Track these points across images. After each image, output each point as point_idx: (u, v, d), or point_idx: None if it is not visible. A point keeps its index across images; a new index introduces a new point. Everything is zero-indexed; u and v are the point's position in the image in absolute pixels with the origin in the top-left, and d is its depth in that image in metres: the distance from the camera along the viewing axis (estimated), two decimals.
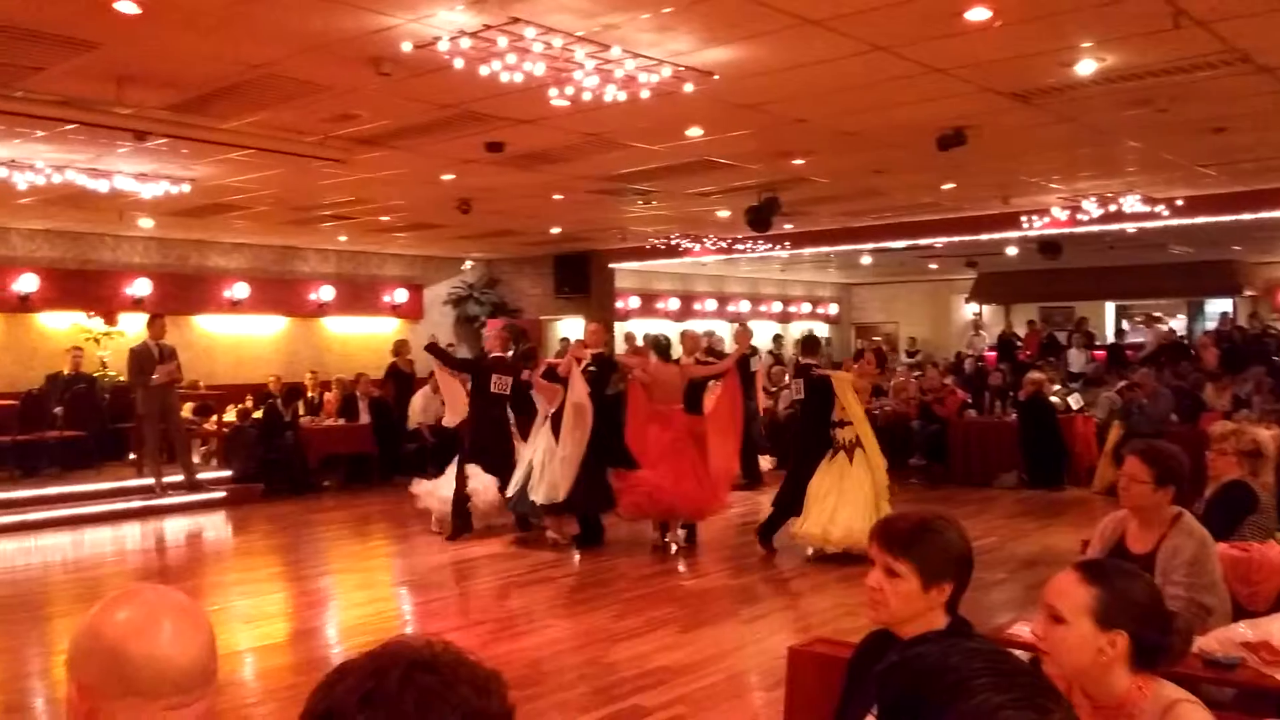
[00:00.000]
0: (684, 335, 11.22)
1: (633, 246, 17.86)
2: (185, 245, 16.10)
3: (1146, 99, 7.92)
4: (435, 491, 10.36)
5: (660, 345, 10.05)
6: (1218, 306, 21.65)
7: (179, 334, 14.35)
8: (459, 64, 6.36)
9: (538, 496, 9.47)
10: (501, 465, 10.06)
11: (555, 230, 15.91)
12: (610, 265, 19.32)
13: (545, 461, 9.50)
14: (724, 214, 14.00)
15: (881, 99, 7.86)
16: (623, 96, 7.10)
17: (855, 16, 5.94)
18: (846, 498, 8.71)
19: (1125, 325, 23.13)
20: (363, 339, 18.32)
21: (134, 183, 10.07)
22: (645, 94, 7.06)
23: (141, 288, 15.37)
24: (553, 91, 7.01)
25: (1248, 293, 21.35)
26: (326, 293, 17.80)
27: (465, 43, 6.13)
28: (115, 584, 7.84)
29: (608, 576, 8.59)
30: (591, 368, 9.68)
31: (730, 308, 24.60)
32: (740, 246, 17.16)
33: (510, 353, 10.59)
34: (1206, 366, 14.75)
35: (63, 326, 14.62)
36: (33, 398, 13.00)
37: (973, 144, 8.93)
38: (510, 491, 9.83)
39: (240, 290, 16.56)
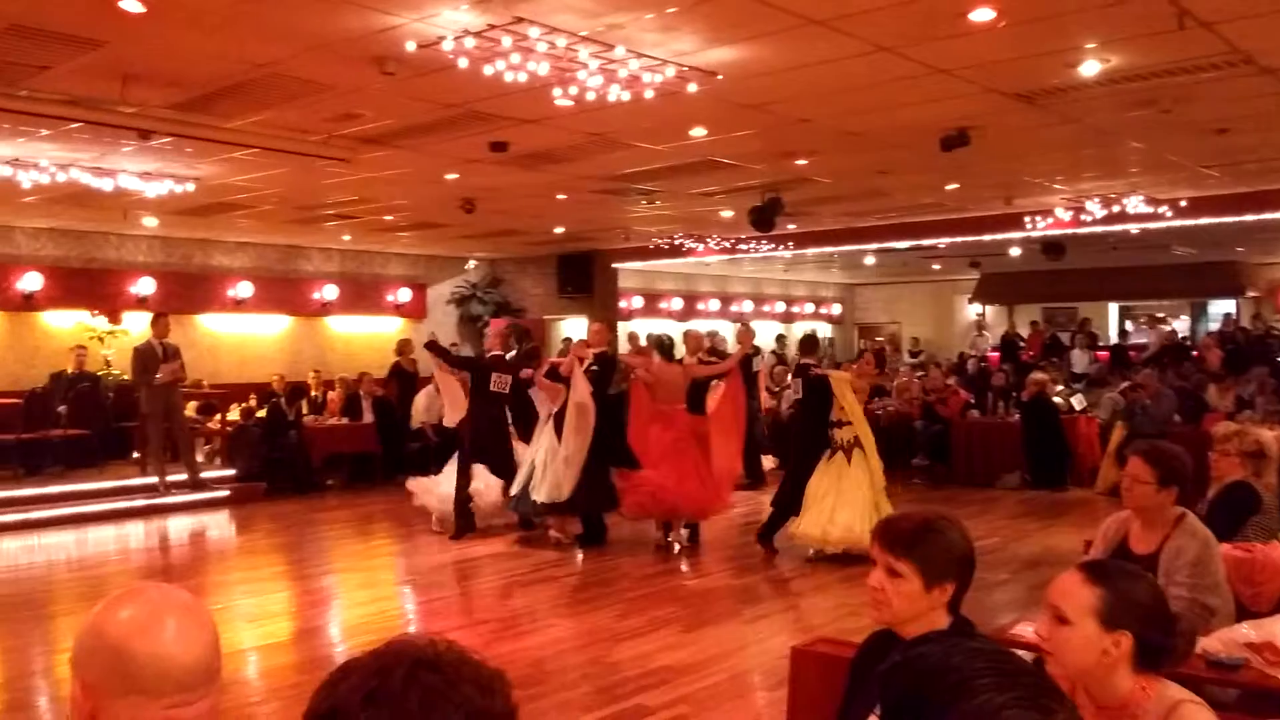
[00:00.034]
0: (687, 335, 11.23)
1: (636, 246, 17.86)
2: (189, 244, 16.11)
3: (1150, 100, 7.92)
4: (434, 489, 10.37)
5: (663, 345, 10.05)
6: (1221, 307, 21.64)
7: (183, 333, 14.37)
8: (463, 63, 6.36)
9: (540, 496, 9.48)
10: (500, 465, 10.08)
11: (559, 230, 15.91)
12: (613, 265, 19.33)
13: (548, 461, 9.51)
14: (727, 214, 14.00)
15: (885, 99, 7.86)
16: (626, 96, 7.10)
17: (859, 17, 5.94)
18: (845, 498, 8.70)
19: (1129, 326, 23.11)
20: (366, 338, 18.33)
21: (138, 181, 10.08)
22: (649, 94, 7.06)
23: (146, 286, 15.39)
24: (556, 91, 7.02)
25: (1251, 294, 21.33)
26: (330, 292, 17.82)
27: (469, 42, 6.13)
28: (119, 583, 7.87)
29: (611, 576, 8.59)
30: (594, 367, 9.68)
31: (733, 308, 24.59)
32: (743, 246, 17.16)
33: (513, 352, 10.59)
34: (1210, 367, 14.73)
35: (67, 325, 14.64)
36: (37, 396, 13.01)
37: (976, 145, 8.92)
38: (513, 491, 9.84)
39: (244, 289, 16.58)
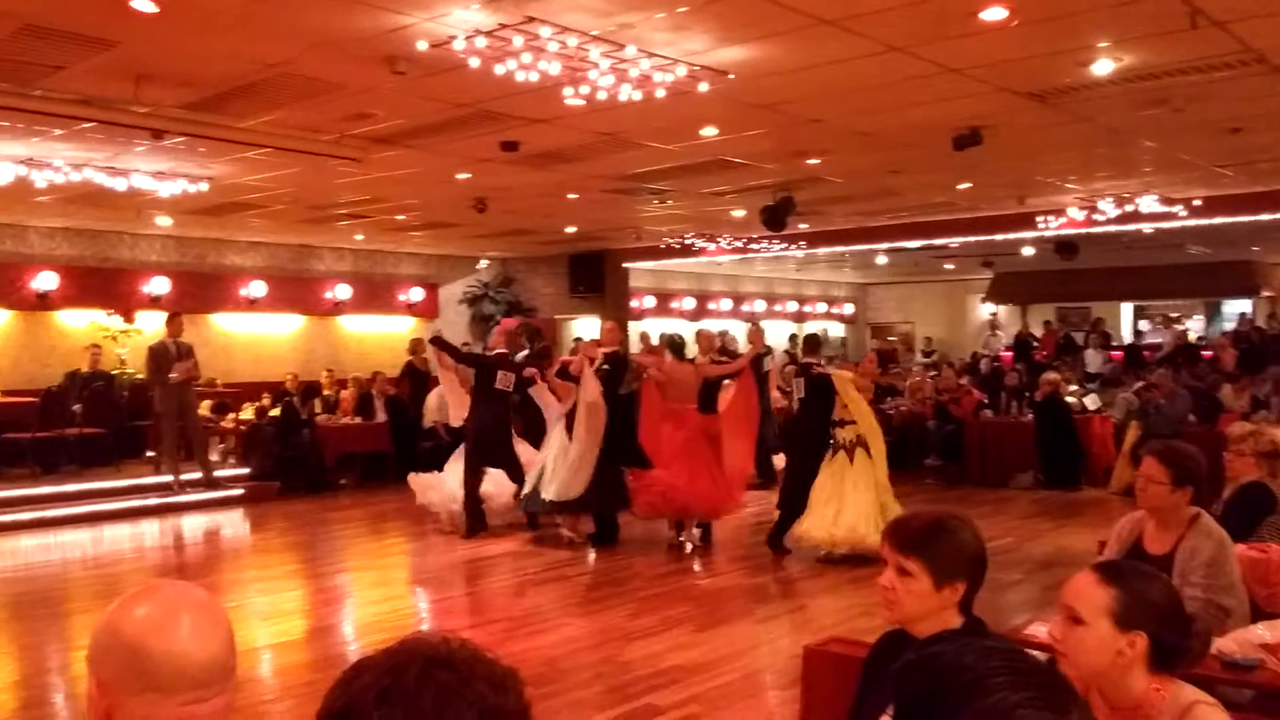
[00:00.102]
0: (699, 334, 11.22)
1: (647, 246, 17.86)
2: (202, 244, 16.17)
3: (1163, 99, 7.88)
4: (438, 486, 10.37)
5: (675, 344, 10.04)
6: (1236, 307, 21.53)
7: (196, 332, 14.42)
8: (474, 63, 6.37)
9: (550, 494, 9.49)
10: (503, 463, 10.10)
11: (570, 229, 15.92)
12: (625, 264, 19.33)
13: (558, 460, 9.52)
14: (739, 213, 13.99)
15: (897, 99, 7.85)
16: (638, 96, 7.10)
17: (871, 16, 5.93)
18: (848, 500, 8.67)
19: (1144, 326, 23.01)
20: (379, 337, 18.38)
21: (152, 181, 10.12)
22: (660, 93, 7.06)
23: (159, 286, 15.45)
24: (568, 91, 7.02)
25: (1266, 293, 21.22)
26: (343, 291, 17.86)
27: (481, 42, 6.14)
28: (133, 580, 7.90)
29: (623, 575, 8.59)
30: (605, 366, 9.68)
31: (745, 307, 24.57)
32: (755, 246, 17.14)
33: (525, 351, 10.60)
34: (1224, 367, 14.66)
35: (81, 324, 14.71)
36: (52, 395, 13.07)
37: (989, 144, 8.90)
38: (525, 490, 9.85)
39: (257, 289, 16.63)
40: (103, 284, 14.96)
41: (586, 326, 18.92)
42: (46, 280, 14.42)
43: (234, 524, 11.66)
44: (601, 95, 7.05)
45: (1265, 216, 13.24)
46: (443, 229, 15.56)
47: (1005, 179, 11.71)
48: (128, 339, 14.67)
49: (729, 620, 7.21)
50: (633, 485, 9.45)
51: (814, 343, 10.03)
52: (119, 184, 10.02)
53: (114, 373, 14.18)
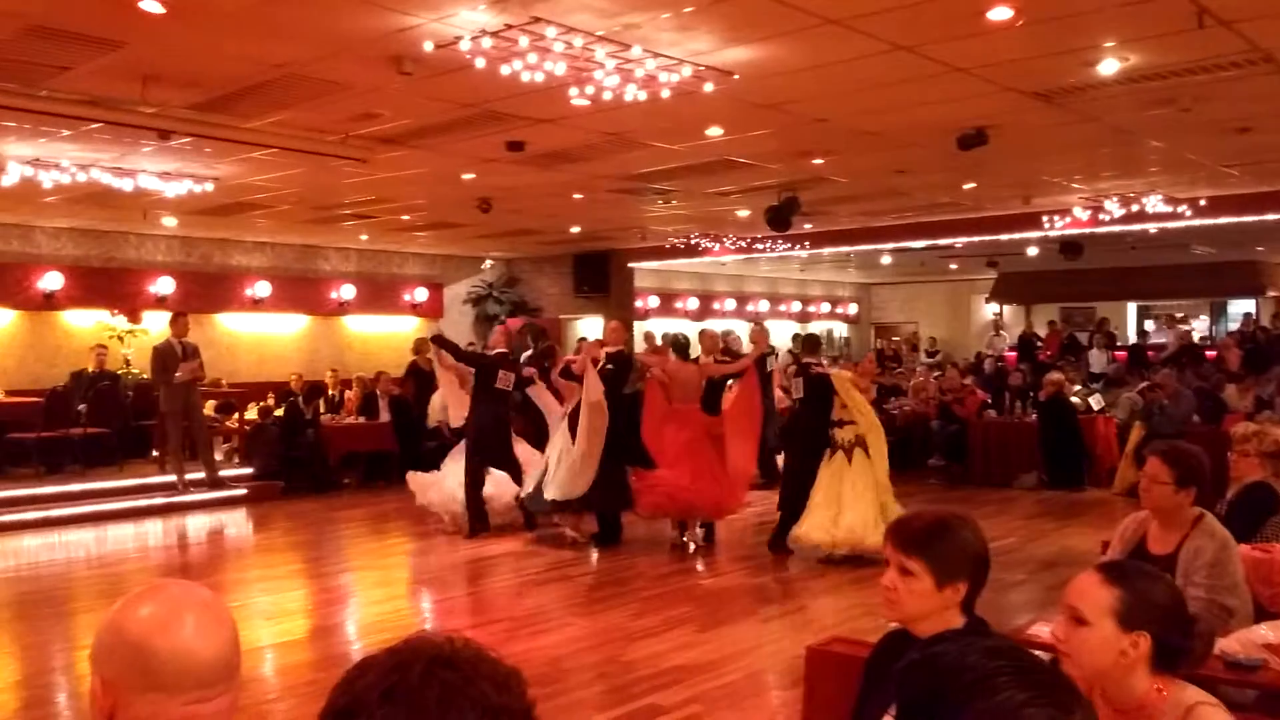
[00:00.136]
0: (702, 334, 11.22)
1: (652, 246, 17.86)
2: (208, 244, 16.19)
3: (1170, 99, 7.87)
4: (440, 486, 10.36)
5: (679, 344, 10.04)
6: (1240, 307, 21.49)
7: (201, 332, 14.44)
8: (480, 63, 6.37)
9: (552, 494, 9.49)
10: (503, 463, 10.11)
11: (575, 229, 15.93)
12: (630, 264, 19.33)
13: (561, 460, 9.52)
14: (743, 213, 13.98)
15: (902, 99, 7.84)
16: (643, 96, 7.10)
17: (876, 16, 5.93)
18: (847, 501, 8.66)
19: (1150, 325, 22.97)
20: (383, 337, 18.39)
21: (158, 181, 10.14)
22: (665, 93, 7.06)
23: (165, 286, 15.47)
24: (573, 91, 7.03)
25: (1271, 293, 21.18)
26: (348, 291, 17.87)
27: (486, 42, 6.15)
28: (138, 580, 7.92)
29: (625, 575, 8.60)
30: (609, 366, 9.68)
31: (749, 307, 24.55)
32: (760, 246, 17.14)
33: (528, 351, 10.60)
34: (1229, 367, 14.63)
35: (87, 324, 14.74)
36: (57, 395, 13.09)
37: (994, 144, 8.89)
38: (528, 489, 9.86)
39: (262, 289, 16.65)
40: (108, 284, 14.99)
41: (591, 326, 18.92)
42: (52, 280, 14.44)
43: (238, 523, 11.68)
44: (607, 95, 7.06)
45: (1271, 216, 13.21)
46: (448, 229, 15.58)
47: (1010, 179, 11.70)
48: (133, 339, 14.70)
49: (732, 620, 7.22)
50: (637, 485, 9.46)
51: (813, 343, 10.03)
52: (125, 184, 10.04)
53: (119, 373, 14.20)
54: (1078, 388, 14.52)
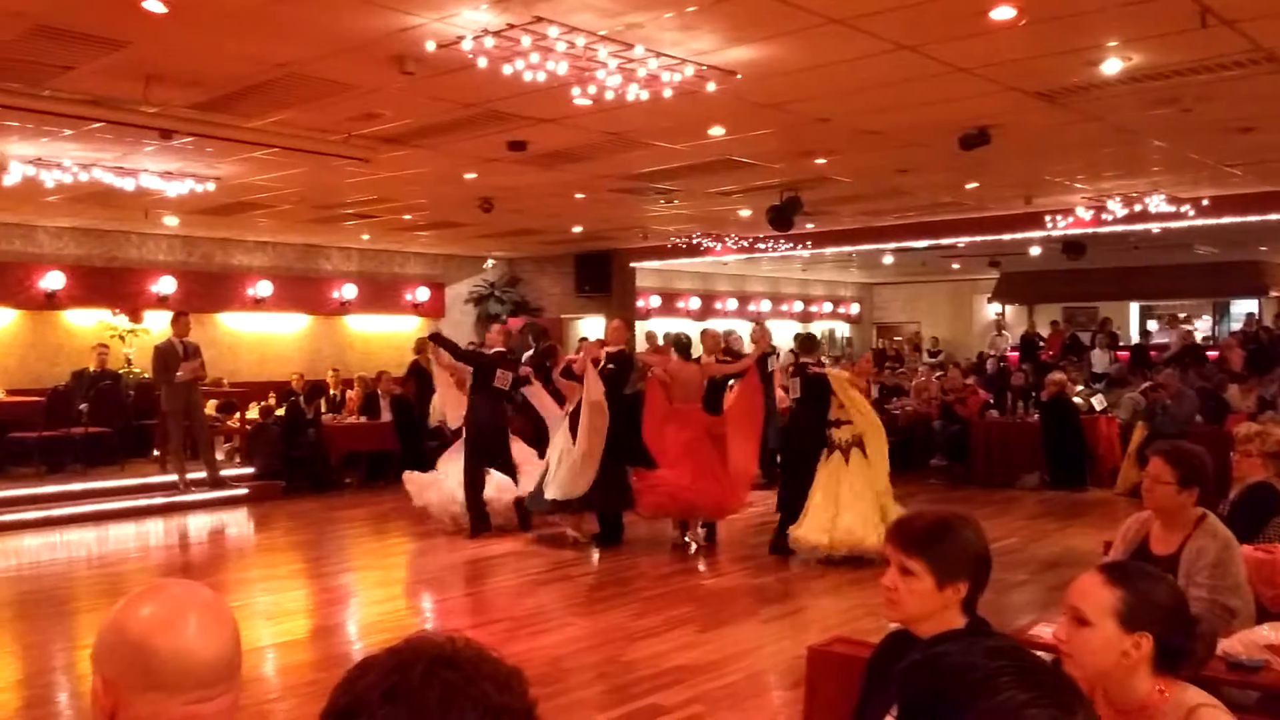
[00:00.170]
0: (704, 334, 11.21)
1: (654, 245, 17.86)
2: (210, 243, 16.20)
3: (1172, 98, 7.86)
4: (438, 486, 10.36)
5: (681, 344, 10.04)
6: (1243, 307, 21.47)
7: (203, 331, 14.45)
8: (482, 63, 6.37)
9: (553, 494, 9.49)
10: (499, 463, 10.10)
11: (577, 229, 15.93)
12: (631, 264, 19.33)
13: (562, 459, 9.52)
14: (745, 213, 13.98)
15: (905, 98, 7.83)
16: (645, 96, 7.09)
17: (879, 16, 5.93)
18: (845, 502, 8.65)
19: (1153, 325, 22.95)
20: (385, 337, 18.40)
21: (159, 181, 10.14)
22: (668, 93, 7.06)
23: (166, 285, 15.48)
24: (575, 90, 7.02)
25: (1274, 293, 21.16)
26: (349, 291, 17.88)
27: (489, 42, 6.14)
28: (138, 580, 7.93)
29: (627, 575, 8.59)
30: (611, 365, 9.68)
31: (751, 307, 24.56)
32: (762, 246, 17.13)
33: (530, 351, 10.60)
34: (1232, 368, 14.62)
35: (88, 324, 14.75)
36: (59, 394, 13.10)
37: (997, 143, 8.89)
38: (526, 487, 9.87)
39: (264, 288, 16.65)
40: (110, 283, 15.00)
41: (592, 326, 18.93)
42: (54, 280, 14.45)
43: (239, 523, 11.69)
44: (609, 95, 7.05)
45: (1274, 216, 13.20)
46: (449, 229, 15.58)
47: (1013, 179, 11.69)
48: (134, 338, 14.71)
49: (733, 620, 7.22)
50: (638, 485, 9.45)
51: (809, 342, 10.02)
52: (127, 184, 10.04)
53: (121, 372, 14.21)
54: (1080, 388, 14.51)
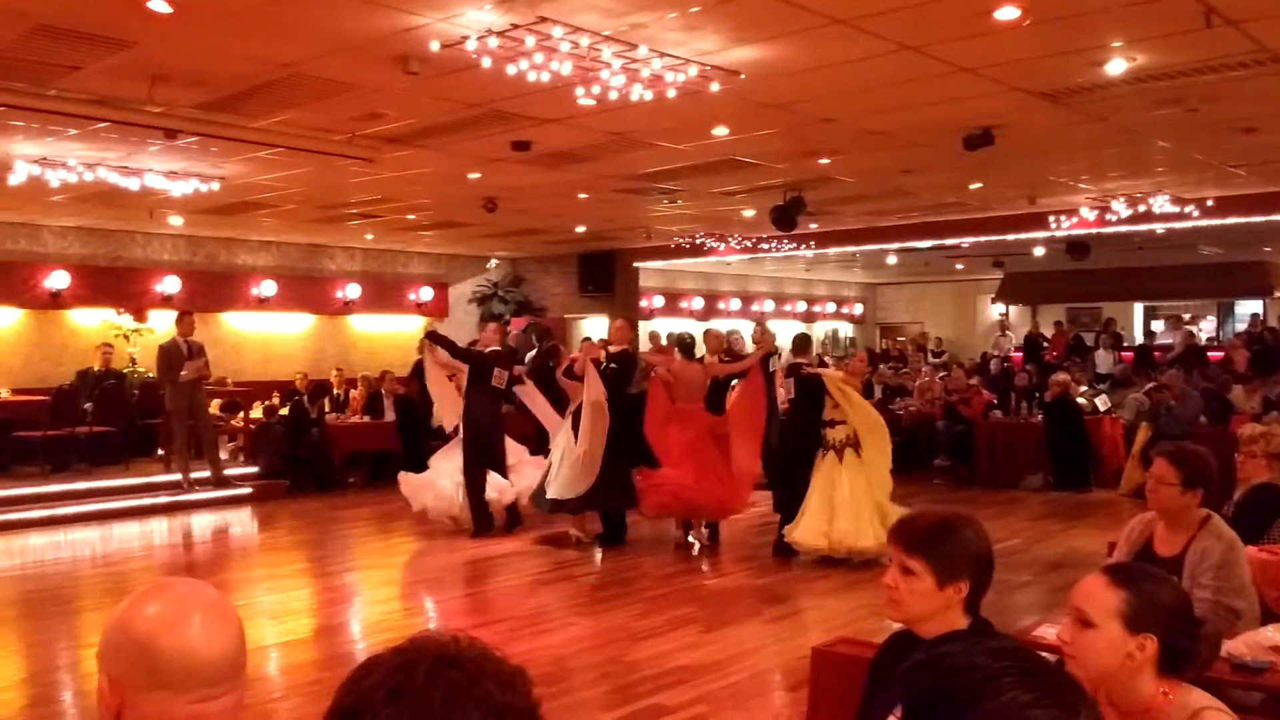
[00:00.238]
0: (707, 334, 11.19)
1: (657, 245, 17.86)
2: (214, 243, 16.23)
3: (1177, 99, 7.86)
4: (434, 487, 10.34)
5: (684, 344, 10.04)
6: (1248, 308, 21.43)
7: (207, 331, 14.48)
8: (486, 63, 6.38)
9: (554, 493, 9.50)
10: (494, 462, 10.10)
11: (580, 229, 15.93)
12: (635, 264, 19.33)
13: (564, 459, 9.53)
14: (749, 213, 13.98)
15: (909, 98, 7.83)
16: (649, 96, 7.10)
17: (883, 16, 5.93)
18: (839, 505, 8.62)
19: (1158, 326, 22.92)
20: (388, 336, 18.42)
21: (164, 180, 10.16)
22: (671, 93, 7.07)
23: (171, 285, 15.50)
24: (579, 91, 7.03)
25: (1278, 294, 21.11)
26: (353, 290, 17.89)
27: (493, 42, 6.15)
28: (143, 578, 7.94)
29: (630, 575, 8.60)
30: (613, 365, 9.68)
31: (754, 307, 24.54)
32: (765, 246, 17.13)
33: (532, 351, 10.60)
34: (1236, 368, 14.60)
35: (93, 323, 14.77)
36: (63, 393, 13.13)
37: (1001, 144, 8.88)
38: (522, 484, 9.88)
39: (268, 288, 16.67)
40: (115, 283, 15.02)
41: (596, 326, 18.92)
42: (59, 279, 14.47)
43: (243, 522, 11.70)
44: (613, 95, 7.05)
45: (1278, 217, 13.18)
46: (453, 228, 15.59)
47: (1017, 179, 11.68)
48: (139, 338, 14.74)
49: (736, 620, 7.21)
50: (641, 485, 9.45)
51: (803, 342, 10.01)
52: (132, 183, 10.06)
53: (125, 371, 14.25)
54: (1084, 388, 14.49)
